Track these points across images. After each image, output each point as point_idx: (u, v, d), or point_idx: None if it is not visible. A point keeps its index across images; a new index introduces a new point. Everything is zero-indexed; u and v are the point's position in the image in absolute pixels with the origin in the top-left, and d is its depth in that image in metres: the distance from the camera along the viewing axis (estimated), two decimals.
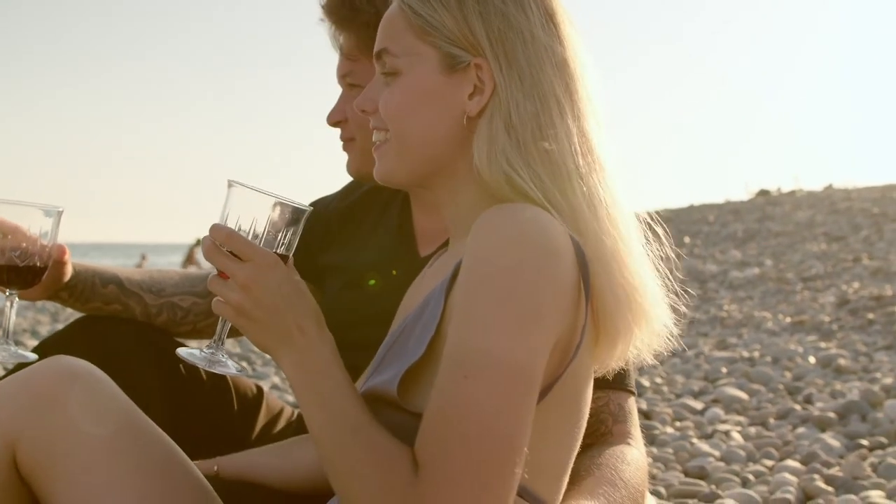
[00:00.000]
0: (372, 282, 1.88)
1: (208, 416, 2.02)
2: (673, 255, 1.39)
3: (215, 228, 1.26)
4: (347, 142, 1.87)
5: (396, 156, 1.35)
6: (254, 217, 1.28)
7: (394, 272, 1.87)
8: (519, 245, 1.16)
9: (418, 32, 1.32)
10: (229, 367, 1.33)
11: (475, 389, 1.12)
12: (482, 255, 1.17)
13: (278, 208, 1.29)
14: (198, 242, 24.54)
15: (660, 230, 1.37)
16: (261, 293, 1.23)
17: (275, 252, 1.28)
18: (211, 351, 1.34)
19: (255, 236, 1.28)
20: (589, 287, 1.21)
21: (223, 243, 1.24)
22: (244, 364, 5.22)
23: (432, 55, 1.31)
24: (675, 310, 1.38)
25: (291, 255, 1.32)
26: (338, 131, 1.91)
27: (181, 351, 1.34)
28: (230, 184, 1.30)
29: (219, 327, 1.34)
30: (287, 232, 1.30)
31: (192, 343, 2.25)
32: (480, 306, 1.15)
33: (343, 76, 1.86)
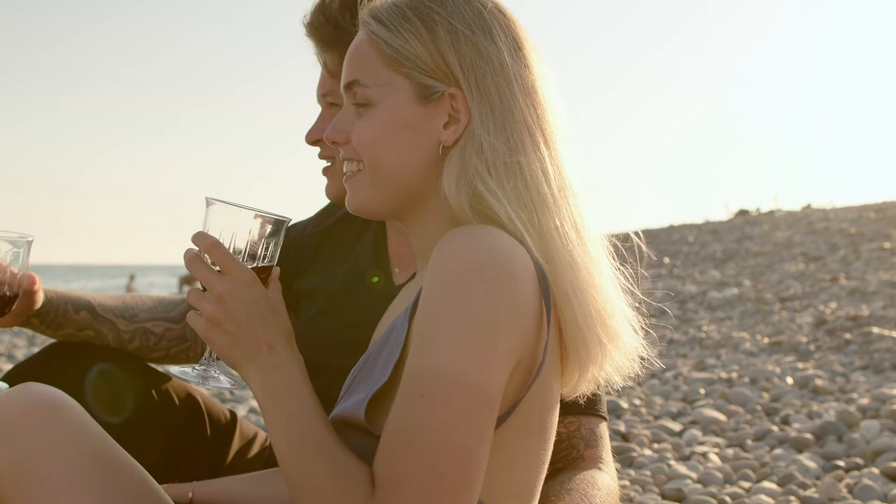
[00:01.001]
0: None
1: (181, 442, 2.01)
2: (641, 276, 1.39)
3: (200, 237, 1.28)
4: (327, 160, 1.88)
5: (370, 186, 1.35)
6: (234, 232, 1.30)
7: (375, 279, 1.88)
8: (476, 265, 1.17)
9: (391, 63, 1.32)
10: (222, 382, 1.36)
11: (430, 408, 1.14)
12: (440, 276, 1.18)
13: (258, 221, 1.31)
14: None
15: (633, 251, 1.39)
16: (235, 307, 1.25)
17: (258, 265, 1.31)
18: (203, 367, 1.35)
19: (237, 251, 1.30)
20: (551, 307, 1.22)
21: (206, 252, 1.27)
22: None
23: (406, 86, 1.32)
24: (652, 330, 1.39)
25: (276, 265, 1.33)
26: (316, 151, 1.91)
27: (173, 369, 1.36)
28: (208, 201, 1.32)
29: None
30: (269, 243, 1.32)
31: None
32: (437, 327, 1.16)
33: (323, 95, 1.87)
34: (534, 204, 1.27)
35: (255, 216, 1.31)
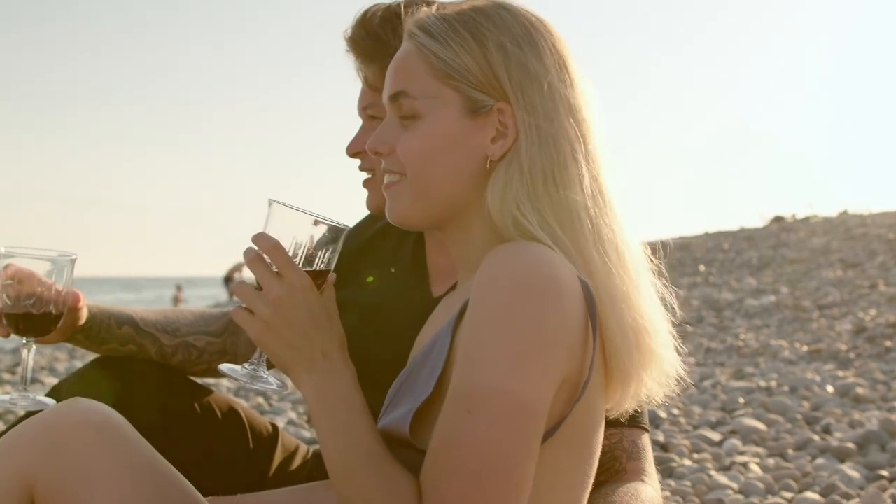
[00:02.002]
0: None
1: (224, 455, 2.02)
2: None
3: (261, 238, 1.29)
4: (368, 172, 1.89)
5: (413, 198, 1.35)
6: (294, 235, 1.31)
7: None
8: (524, 282, 1.17)
9: (440, 76, 1.32)
10: (270, 384, 1.36)
11: (477, 423, 1.14)
12: (488, 292, 1.18)
13: (318, 227, 1.32)
14: (236, 266, 24.42)
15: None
16: (292, 312, 1.26)
17: (315, 269, 1.31)
18: (252, 367, 1.36)
19: (294, 255, 1.31)
20: (596, 324, 1.22)
21: (267, 254, 1.28)
22: (261, 400, 5.22)
23: (455, 99, 1.32)
24: (688, 340, 1.39)
25: (332, 272, 1.34)
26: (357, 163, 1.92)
27: (223, 366, 1.36)
28: (270, 202, 1.32)
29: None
30: (327, 250, 1.33)
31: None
32: (484, 342, 1.16)
33: (364, 108, 1.88)
34: (576, 221, 1.27)
35: (316, 222, 1.31)
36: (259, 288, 1.29)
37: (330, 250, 1.33)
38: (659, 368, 1.32)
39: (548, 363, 1.17)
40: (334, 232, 1.32)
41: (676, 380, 1.36)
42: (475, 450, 1.14)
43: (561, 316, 1.18)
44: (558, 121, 1.30)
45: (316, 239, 1.32)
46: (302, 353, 1.26)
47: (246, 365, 1.38)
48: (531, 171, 1.28)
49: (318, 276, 1.32)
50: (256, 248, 1.29)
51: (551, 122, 1.30)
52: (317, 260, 1.32)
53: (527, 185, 1.28)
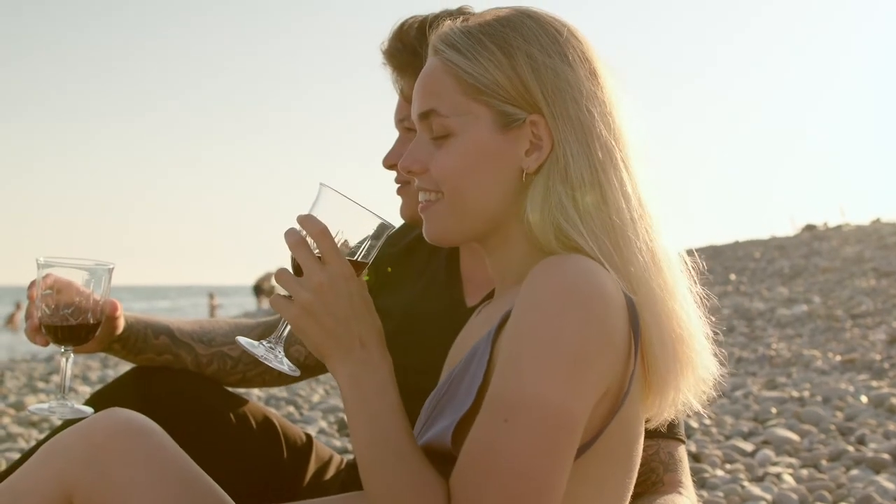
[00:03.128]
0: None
1: (259, 465, 2.03)
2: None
3: (309, 220, 1.27)
4: (402, 185, 1.89)
5: (451, 216, 1.34)
6: (339, 223, 1.29)
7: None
8: (568, 295, 1.16)
9: (469, 91, 1.31)
10: (283, 365, 1.35)
11: (514, 432, 1.14)
12: (531, 303, 1.18)
13: (365, 219, 1.31)
14: (266, 276, 24.55)
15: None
16: (333, 300, 1.24)
17: (356, 259, 1.30)
18: (270, 346, 1.35)
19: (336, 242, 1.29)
20: (639, 337, 1.22)
21: (314, 237, 1.26)
22: (292, 409, 5.24)
23: (486, 114, 1.30)
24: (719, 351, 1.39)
25: (368, 266, 1.33)
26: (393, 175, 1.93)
27: (241, 339, 1.35)
28: (322, 186, 1.31)
29: (280, 325, 1.36)
30: (368, 245, 1.32)
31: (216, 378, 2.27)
32: (525, 353, 1.16)
33: (401, 120, 1.88)
34: (615, 230, 1.26)
35: (364, 213, 1.30)
36: (298, 273, 1.27)
37: (370, 246, 1.32)
38: (695, 375, 1.31)
39: (589, 375, 1.16)
40: (379, 228, 1.31)
41: (713, 383, 1.35)
42: (510, 458, 1.13)
43: (604, 328, 1.17)
44: (594, 129, 1.29)
45: (360, 231, 1.31)
46: (340, 342, 1.25)
47: (265, 342, 1.36)
48: (571, 181, 1.27)
49: (358, 267, 1.31)
50: (300, 229, 1.28)
51: (586, 130, 1.28)
52: (357, 252, 1.31)
53: (567, 195, 1.27)
